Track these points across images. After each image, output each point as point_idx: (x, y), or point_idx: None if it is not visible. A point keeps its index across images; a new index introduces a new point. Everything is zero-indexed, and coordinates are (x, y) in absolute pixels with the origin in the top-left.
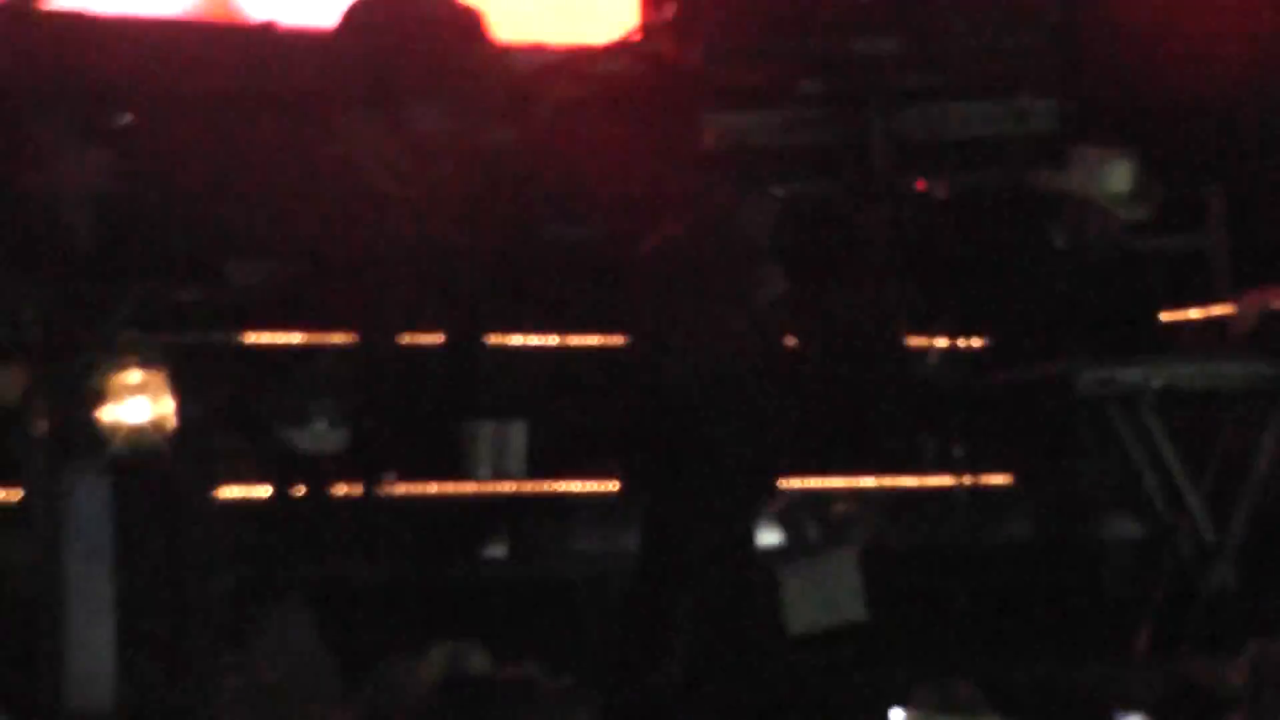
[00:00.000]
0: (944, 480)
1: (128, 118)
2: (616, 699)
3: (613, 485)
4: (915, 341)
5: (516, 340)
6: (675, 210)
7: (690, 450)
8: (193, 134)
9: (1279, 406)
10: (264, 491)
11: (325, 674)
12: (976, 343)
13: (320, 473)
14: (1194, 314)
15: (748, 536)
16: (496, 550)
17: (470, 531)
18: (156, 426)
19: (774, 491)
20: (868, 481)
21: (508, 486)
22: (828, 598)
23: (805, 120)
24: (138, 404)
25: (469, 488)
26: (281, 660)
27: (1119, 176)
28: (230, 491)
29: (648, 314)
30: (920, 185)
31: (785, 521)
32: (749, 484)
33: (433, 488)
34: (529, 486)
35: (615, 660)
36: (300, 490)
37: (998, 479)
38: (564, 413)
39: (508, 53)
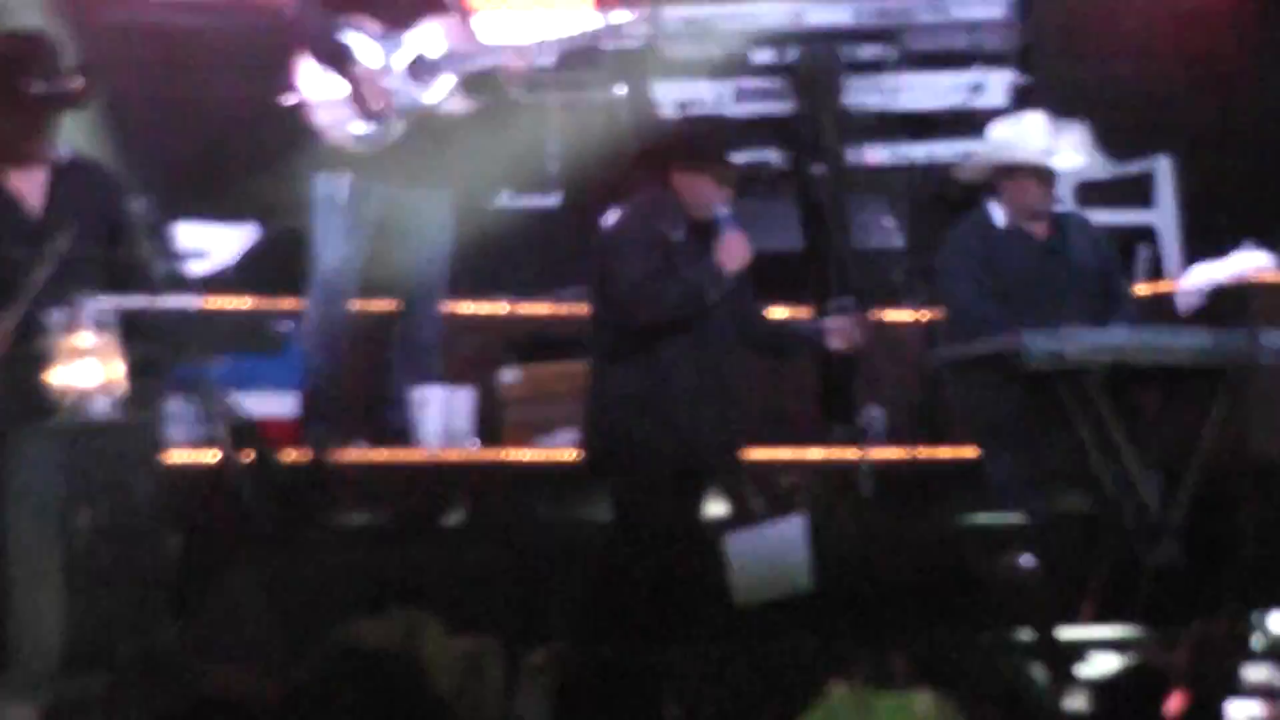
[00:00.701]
0: (895, 453)
1: (79, 81)
2: (577, 668)
3: (569, 455)
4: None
5: (468, 308)
6: (634, 182)
7: (653, 422)
8: (145, 93)
9: (1226, 382)
10: (212, 456)
11: (271, 639)
12: (927, 316)
13: (269, 437)
14: (1143, 288)
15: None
16: (451, 518)
17: (421, 498)
18: (106, 389)
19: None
20: (816, 454)
21: (456, 454)
22: (774, 568)
23: (757, 91)
24: (87, 366)
25: (418, 455)
26: (227, 623)
27: (1035, 131)
28: (179, 455)
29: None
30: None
31: (731, 492)
32: (712, 456)
33: (382, 454)
34: (478, 455)
35: (576, 630)
36: (249, 455)
37: (949, 452)
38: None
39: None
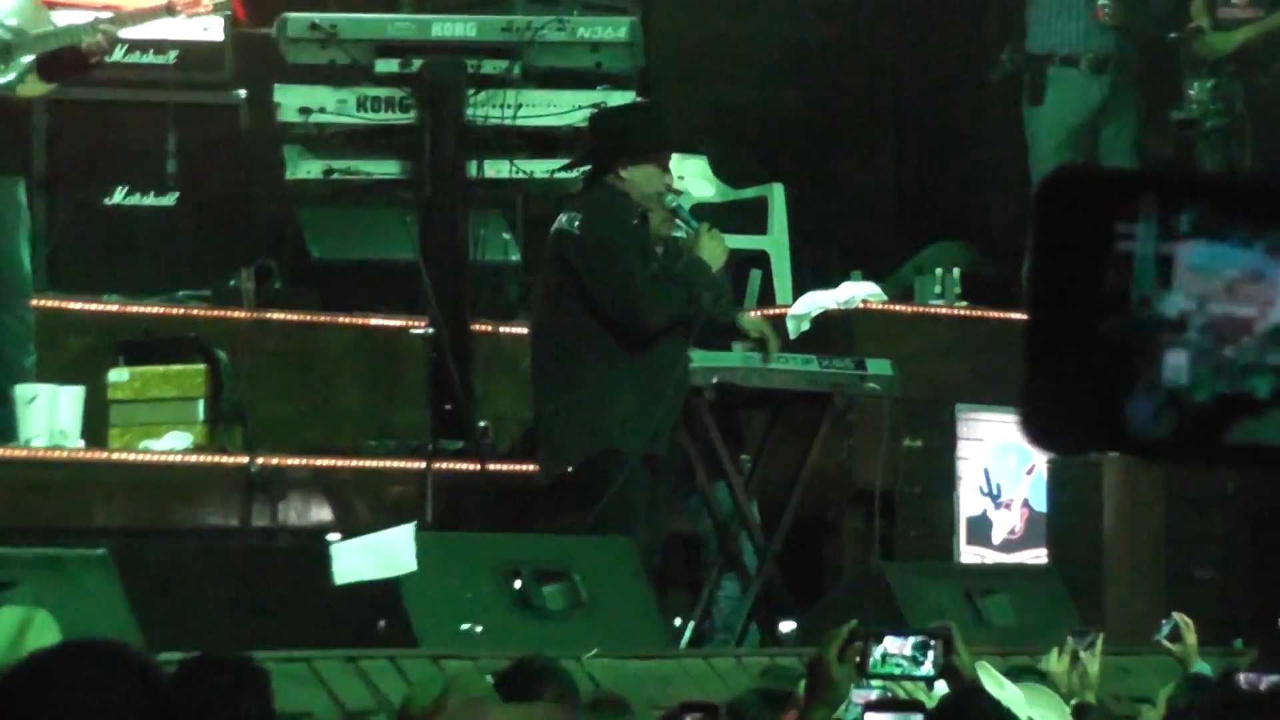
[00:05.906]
0: (508, 468)
1: None
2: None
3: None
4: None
5: (77, 306)
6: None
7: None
8: None
9: (830, 409)
10: None
11: None
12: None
13: None
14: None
15: None
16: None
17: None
18: None
19: None
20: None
21: (61, 454)
22: (381, 562)
23: (380, 100)
24: None
25: (21, 454)
26: None
27: (699, 179)
28: None
29: None
30: None
31: (336, 501)
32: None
33: None
34: (84, 455)
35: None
36: None
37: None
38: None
39: None
